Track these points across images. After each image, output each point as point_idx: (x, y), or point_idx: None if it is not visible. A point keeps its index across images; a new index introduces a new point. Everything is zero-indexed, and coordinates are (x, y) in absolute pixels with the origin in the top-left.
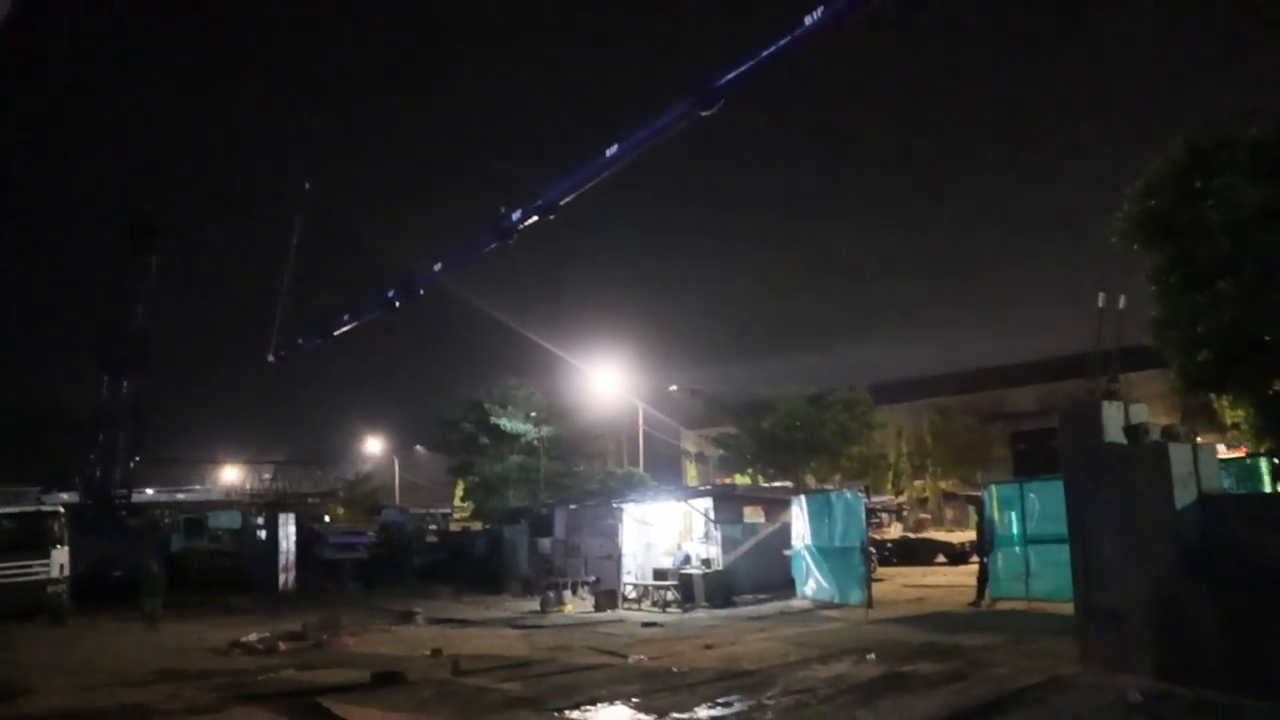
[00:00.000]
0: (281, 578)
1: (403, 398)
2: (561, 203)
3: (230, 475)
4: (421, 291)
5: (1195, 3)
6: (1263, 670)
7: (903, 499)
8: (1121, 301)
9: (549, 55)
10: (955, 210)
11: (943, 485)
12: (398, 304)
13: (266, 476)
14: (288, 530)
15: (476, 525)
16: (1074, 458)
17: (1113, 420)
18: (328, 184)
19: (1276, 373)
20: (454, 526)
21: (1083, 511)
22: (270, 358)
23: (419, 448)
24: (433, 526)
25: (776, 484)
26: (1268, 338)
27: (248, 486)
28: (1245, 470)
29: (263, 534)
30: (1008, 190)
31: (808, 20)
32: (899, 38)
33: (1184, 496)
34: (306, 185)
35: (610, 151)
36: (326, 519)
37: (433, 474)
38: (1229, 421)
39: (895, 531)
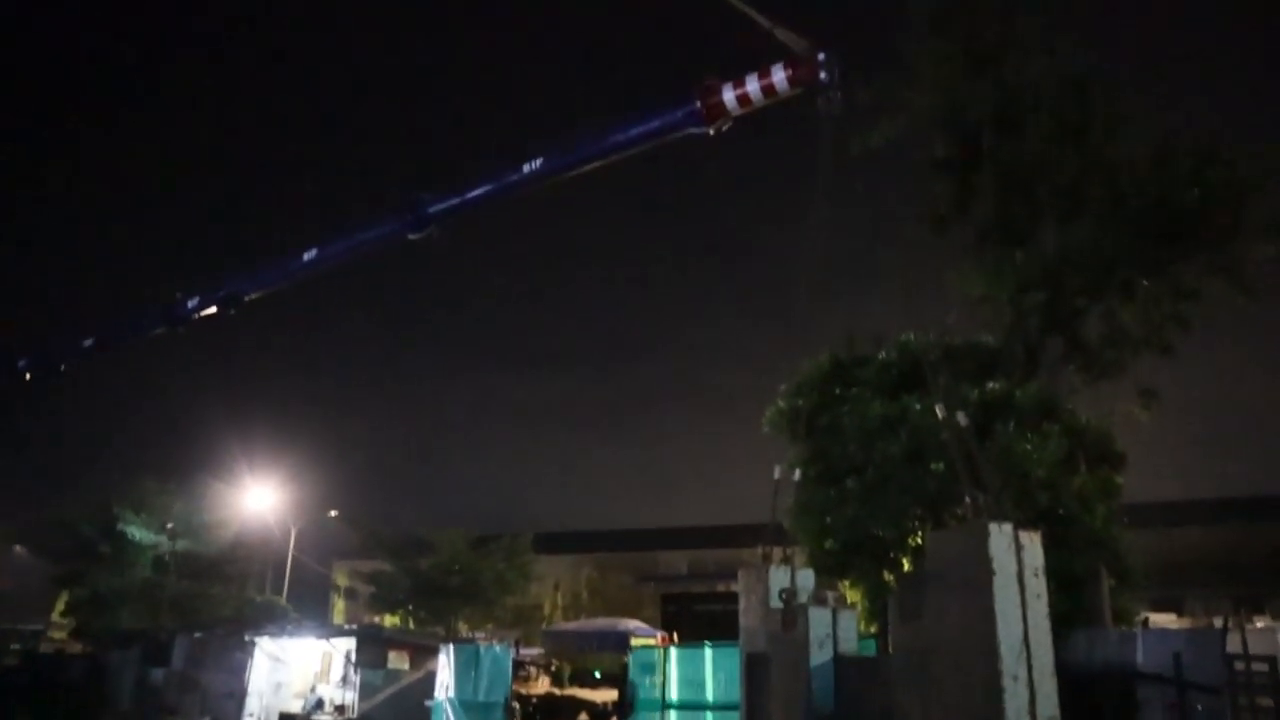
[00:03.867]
0: None
1: (7, 487)
2: (246, 298)
3: None
4: (62, 368)
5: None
6: None
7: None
8: (796, 474)
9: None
10: (631, 377)
11: None
12: (28, 376)
13: None
14: None
15: (78, 647)
16: (748, 616)
17: (778, 584)
18: None
19: (885, 563)
20: (47, 647)
21: (750, 667)
22: None
23: (19, 548)
24: (16, 645)
25: (428, 629)
26: (880, 533)
27: None
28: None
29: None
30: (685, 366)
31: (526, 168)
32: (607, 204)
33: (819, 656)
34: None
35: (308, 255)
36: None
37: (30, 581)
38: (850, 603)
39: (543, 686)
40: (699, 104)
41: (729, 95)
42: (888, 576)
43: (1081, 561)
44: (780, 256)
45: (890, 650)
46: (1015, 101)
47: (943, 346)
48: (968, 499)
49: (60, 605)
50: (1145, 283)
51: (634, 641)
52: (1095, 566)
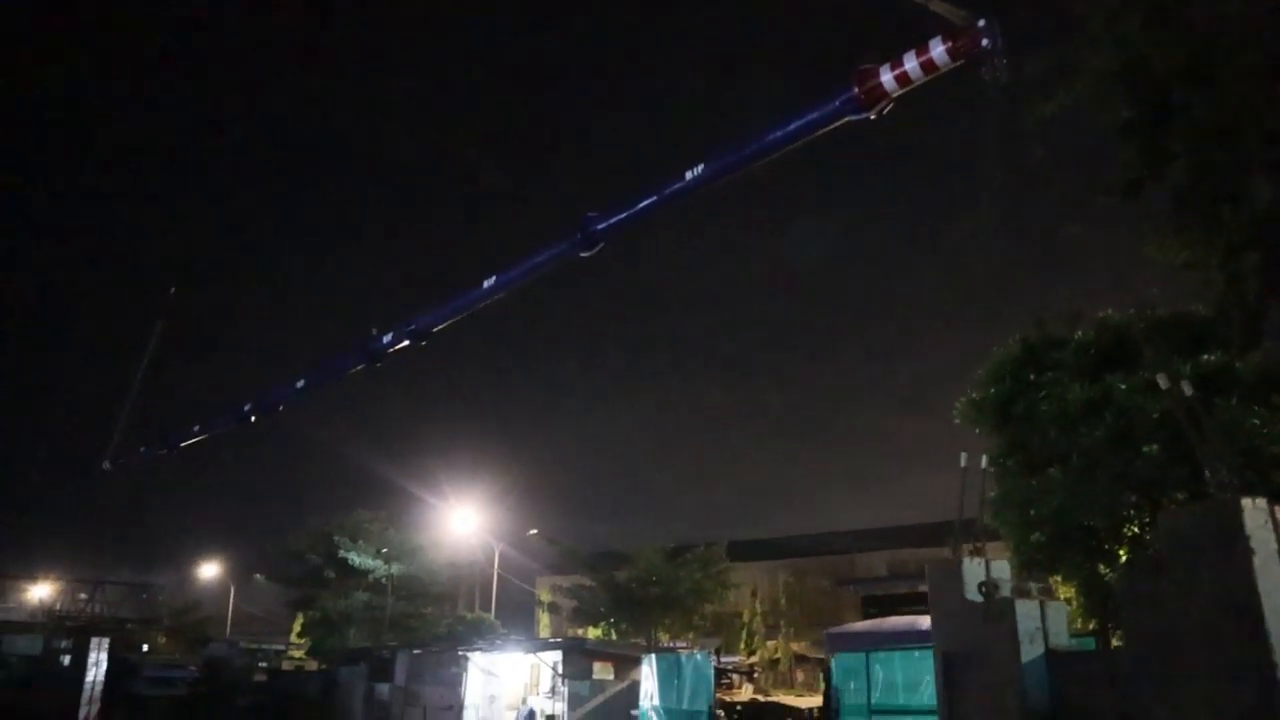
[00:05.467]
0: (83, 711)
1: (246, 521)
2: (434, 330)
3: (40, 593)
4: (280, 408)
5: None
6: None
7: (755, 659)
8: (984, 461)
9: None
10: (816, 377)
11: (795, 647)
12: (253, 419)
13: (83, 597)
14: (98, 658)
15: (313, 664)
16: (939, 615)
17: (974, 577)
18: (200, 288)
19: (1100, 556)
20: (288, 665)
21: (947, 668)
22: (106, 465)
23: (259, 576)
24: (263, 664)
25: (629, 640)
26: (1092, 523)
27: (58, 607)
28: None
29: (67, 659)
30: (868, 364)
31: (688, 175)
32: (778, 205)
33: (1030, 652)
34: (172, 290)
35: (487, 283)
36: (145, 648)
37: (271, 605)
38: (1062, 597)
39: (746, 693)
40: (856, 90)
41: (887, 77)
42: (1103, 569)
43: None
44: (960, 245)
45: (1122, 643)
46: (1210, 46)
47: (1148, 319)
48: (1208, 473)
49: (296, 626)
50: None
51: None
52: None
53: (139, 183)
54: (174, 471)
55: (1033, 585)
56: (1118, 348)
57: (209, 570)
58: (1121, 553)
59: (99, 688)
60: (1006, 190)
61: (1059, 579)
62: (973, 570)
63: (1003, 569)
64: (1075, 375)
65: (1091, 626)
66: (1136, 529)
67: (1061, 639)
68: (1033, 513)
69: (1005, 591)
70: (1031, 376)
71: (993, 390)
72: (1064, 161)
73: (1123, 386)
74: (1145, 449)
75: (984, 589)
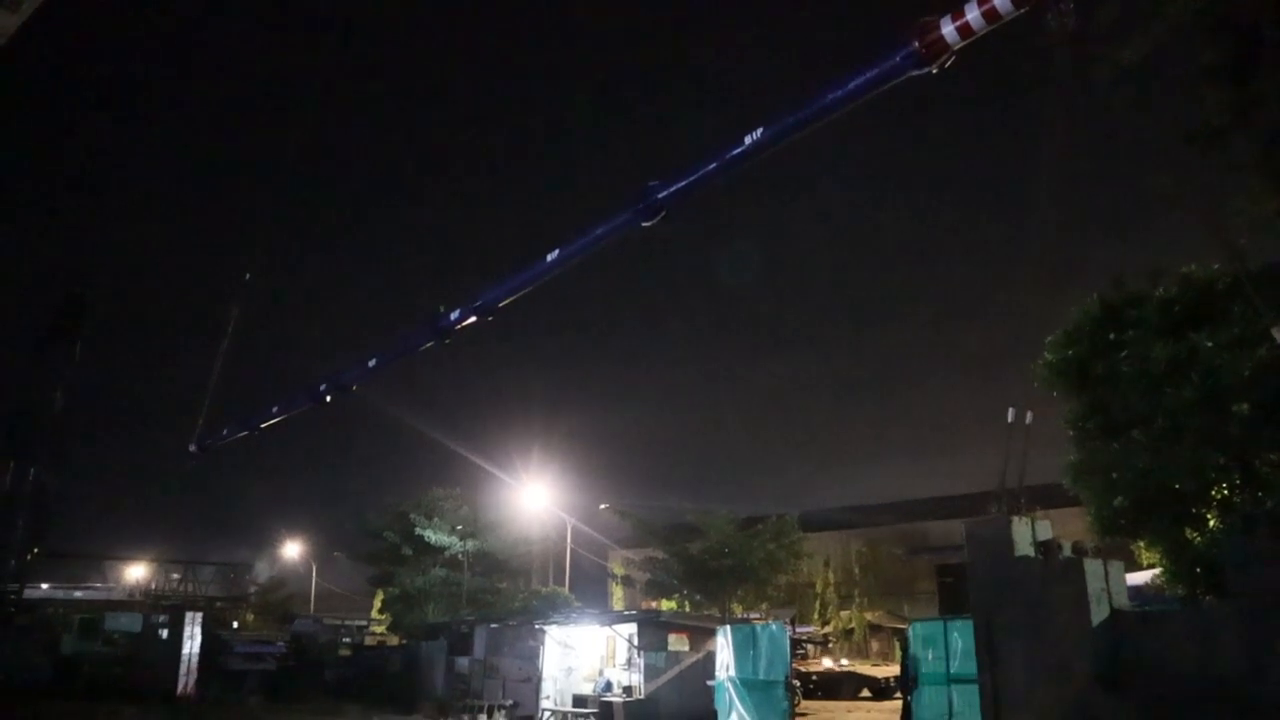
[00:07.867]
0: (181, 682)
1: (326, 502)
2: (500, 305)
3: (137, 573)
4: (354, 388)
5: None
6: None
7: (829, 629)
8: (1029, 417)
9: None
10: (886, 344)
11: (869, 616)
12: (328, 399)
13: (175, 576)
14: (192, 632)
15: (393, 639)
16: (983, 575)
17: (1022, 536)
18: (269, 276)
19: (1187, 520)
20: (370, 640)
21: (991, 630)
22: (192, 448)
23: (339, 554)
24: (347, 639)
25: (703, 612)
26: (1178, 486)
27: (153, 586)
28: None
29: (164, 633)
30: (940, 328)
31: (748, 139)
32: (847, 167)
33: (1099, 613)
34: (248, 276)
35: (550, 257)
36: (235, 625)
37: (352, 583)
38: (1146, 563)
39: (822, 663)
40: (917, 44)
41: (949, 29)
42: (1190, 534)
43: None
44: (1029, 202)
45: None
46: None
47: (1237, 273)
48: None
49: (377, 603)
50: None
51: None
52: None
53: (214, 170)
54: (257, 454)
55: (1088, 545)
56: (1203, 304)
57: (292, 549)
58: (1210, 517)
59: (195, 660)
60: (1077, 146)
61: (1143, 545)
62: (1022, 530)
63: (1045, 529)
64: (1158, 334)
65: (1180, 593)
66: (1226, 491)
67: (1121, 599)
68: (1115, 477)
69: (1067, 551)
70: (1111, 336)
71: (1070, 351)
72: (1138, 111)
73: (1209, 344)
74: (1235, 408)
75: (1042, 549)
